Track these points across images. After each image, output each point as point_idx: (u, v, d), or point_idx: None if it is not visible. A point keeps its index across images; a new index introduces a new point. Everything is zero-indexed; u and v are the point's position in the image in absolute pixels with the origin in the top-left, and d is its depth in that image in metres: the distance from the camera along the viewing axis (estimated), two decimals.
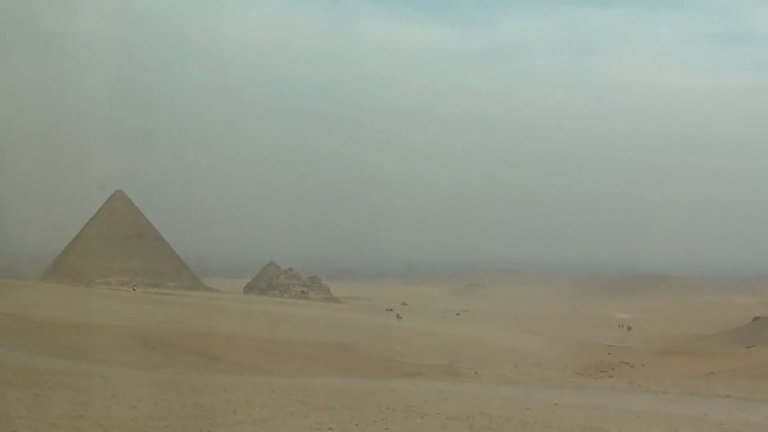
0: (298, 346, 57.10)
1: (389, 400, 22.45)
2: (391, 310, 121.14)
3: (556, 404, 24.20)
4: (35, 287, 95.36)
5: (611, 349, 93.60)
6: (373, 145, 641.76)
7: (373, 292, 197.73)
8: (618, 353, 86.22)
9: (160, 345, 46.65)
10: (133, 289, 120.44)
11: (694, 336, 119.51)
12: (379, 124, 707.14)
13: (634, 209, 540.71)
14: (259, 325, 69.33)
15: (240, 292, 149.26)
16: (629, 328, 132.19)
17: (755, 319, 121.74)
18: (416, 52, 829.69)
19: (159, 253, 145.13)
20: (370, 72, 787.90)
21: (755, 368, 55.93)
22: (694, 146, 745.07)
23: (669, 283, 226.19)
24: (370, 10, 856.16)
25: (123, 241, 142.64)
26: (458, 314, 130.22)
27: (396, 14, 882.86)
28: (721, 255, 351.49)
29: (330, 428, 18.59)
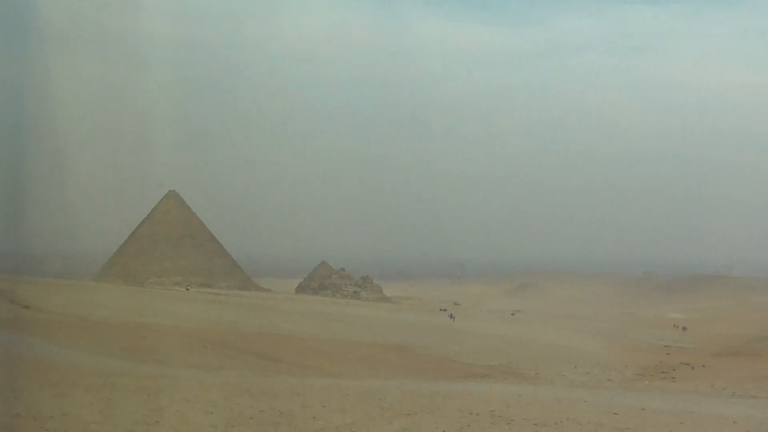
0: (356, 346, 56.50)
1: (469, 404, 21.74)
2: (445, 309, 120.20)
3: (643, 409, 23.27)
4: (89, 287, 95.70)
5: (669, 349, 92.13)
6: (425, 144, 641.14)
7: (424, 292, 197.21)
8: (676, 354, 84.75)
9: (219, 346, 46.30)
10: (186, 289, 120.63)
11: (751, 336, 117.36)
12: (431, 123, 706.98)
13: (688, 209, 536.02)
14: (315, 325, 68.85)
15: (292, 292, 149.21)
16: (684, 329, 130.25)
17: None
18: (469, 51, 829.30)
19: (211, 252, 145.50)
20: (423, 71, 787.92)
21: None
22: (749, 144, 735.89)
23: (724, 283, 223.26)
24: (423, 10, 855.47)
25: (176, 241, 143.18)
26: (513, 314, 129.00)
27: (449, 14, 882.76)
28: None
29: None
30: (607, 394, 26.08)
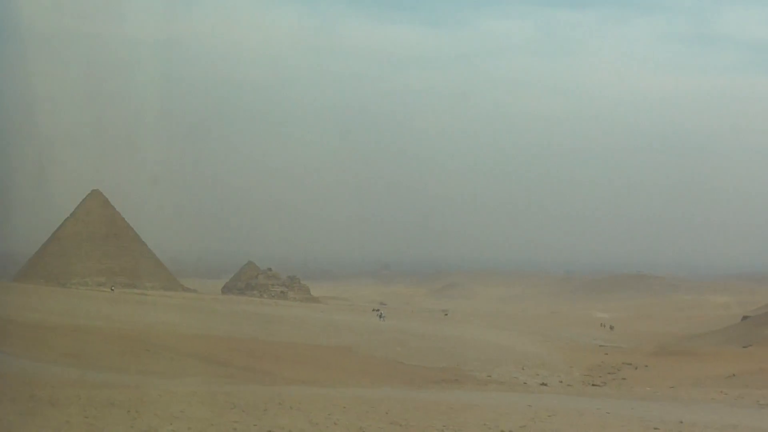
0: (302, 349, 54.76)
1: (485, 418, 20.11)
2: (378, 310, 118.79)
3: (681, 422, 21.79)
4: (10, 287, 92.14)
5: (605, 349, 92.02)
6: (349, 144, 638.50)
7: (350, 292, 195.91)
8: (614, 354, 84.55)
9: (163, 349, 44.11)
10: (111, 290, 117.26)
11: (682, 335, 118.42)
12: (356, 123, 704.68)
13: (609, 208, 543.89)
14: (253, 326, 66.81)
15: (218, 293, 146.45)
16: (612, 327, 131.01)
17: (744, 318, 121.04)
18: (393, 52, 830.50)
19: (136, 253, 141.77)
20: (348, 71, 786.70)
21: None
22: (667, 146, 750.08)
23: (646, 283, 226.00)
24: (348, 11, 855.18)
25: (99, 241, 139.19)
26: (446, 314, 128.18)
27: (373, 15, 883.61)
28: (696, 255, 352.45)
29: None
30: (613, 403, 24.64)
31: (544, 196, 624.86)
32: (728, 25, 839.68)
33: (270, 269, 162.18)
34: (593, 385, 55.20)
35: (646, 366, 71.94)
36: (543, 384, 52.03)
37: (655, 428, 19.54)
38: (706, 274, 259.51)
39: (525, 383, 50.72)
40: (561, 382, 55.46)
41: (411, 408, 21.78)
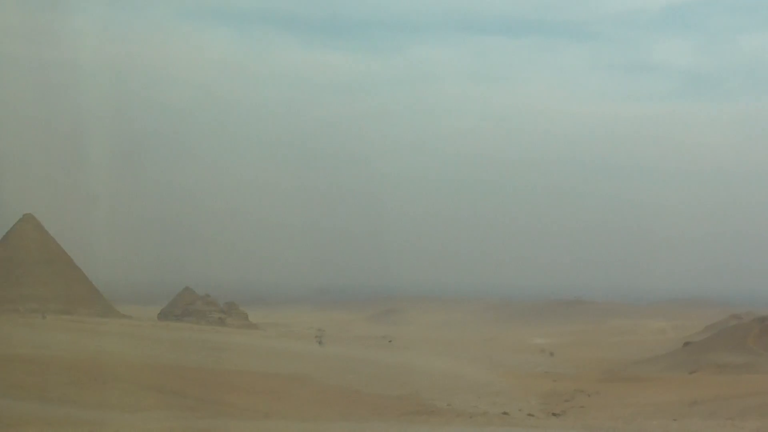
0: (258, 378, 52.90)
1: None
2: (320, 337, 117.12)
3: None
4: None
5: (552, 375, 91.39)
6: (283, 169, 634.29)
7: (288, 318, 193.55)
8: (563, 380, 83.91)
9: (113, 380, 42.01)
10: (43, 317, 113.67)
11: (625, 361, 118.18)
12: (291, 148, 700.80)
13: (546, 236, 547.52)
14: (201, 355, 64.85)
15: (155, 319, 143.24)
16: (552, 354, 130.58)
17: (686, 344, 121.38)
18: (329, 78, 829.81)
19: (70, 279, 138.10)
20: (283, 97, 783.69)
21: (741, 396, 53.54)
22: (599, 172, 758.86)
23: (582, 308, 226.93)
24: (283, 37, 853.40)
25: (32, 266, 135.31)
26: (390, 341, 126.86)
27: (309, 42, 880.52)
28: (631, 281, 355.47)
29: None
30: None
31: (479, 223, 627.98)
32: (658, 54, 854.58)
33: (208, 295, 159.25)
34: (553, 414, 54.27)
35: (598, 393, 71.24)
36: (504, 413, 50.81)
37: None
38: (641, 300, 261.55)
39: (486, 413, 49.42)
40: (521, 410, 54.38)
41: None
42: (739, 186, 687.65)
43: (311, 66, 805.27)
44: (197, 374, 50.84)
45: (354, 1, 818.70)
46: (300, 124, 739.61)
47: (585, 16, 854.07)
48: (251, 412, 34.35)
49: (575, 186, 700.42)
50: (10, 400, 29.84)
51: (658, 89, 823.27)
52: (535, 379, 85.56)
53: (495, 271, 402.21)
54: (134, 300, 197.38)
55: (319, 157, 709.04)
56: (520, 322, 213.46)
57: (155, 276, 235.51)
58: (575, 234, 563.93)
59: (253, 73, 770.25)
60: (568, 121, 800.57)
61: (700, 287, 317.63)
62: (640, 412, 52.26)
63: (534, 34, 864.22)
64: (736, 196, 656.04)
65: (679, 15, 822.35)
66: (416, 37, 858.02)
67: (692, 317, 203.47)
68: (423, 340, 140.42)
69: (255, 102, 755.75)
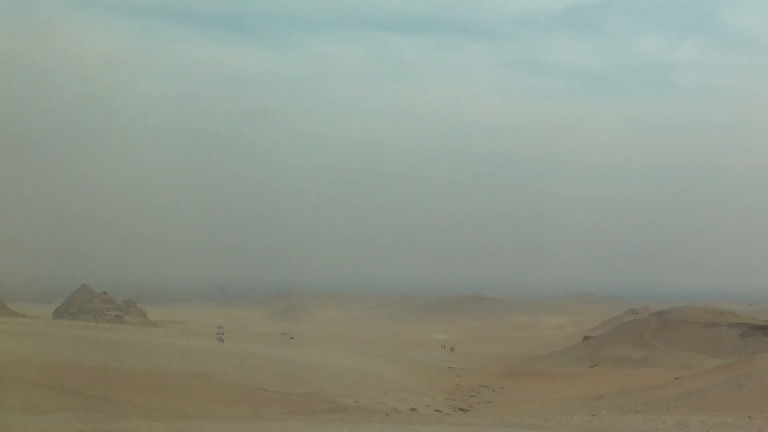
0: (158, 377, 51.51)
1: None
2: (222, 333, 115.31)
3: None
4: None
5: (455, 371, 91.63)
6: (180, 166, 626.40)
7: (187, 315, 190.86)
8: (467, 376, 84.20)
9: (15, 381, 40.31)
10: None
11: (525, 356, 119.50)
12: (190, 144, 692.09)
13: (445, 231, 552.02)
14: (101, 353, 62.66)
15: (50, 318, 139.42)
16: (452, 349, 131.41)
17: (585, 338, 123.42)
18: (227, 73, 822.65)
19: None
20: (180, 91, 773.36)
21: (644, 390, 54.27)
22: (502, 168, 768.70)
23: (482, 304, 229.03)
24: (181, 31, 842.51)
25: None
26: (292, 338, 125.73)
27: (208, 36, 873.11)
28: (529, 277, 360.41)
29: None
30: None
31: (380, 219, 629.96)
32: (556, 53, 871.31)
33: (105, 293, 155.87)
34: (461, 409, 54.20)
35: (502, 388, 71.68)
36: (412, 409, 50.61)
37: None
38: (540, 295, 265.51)
39: (395, 409, 49.05)
40: (428, 406, 54.09)
41: None
42: (632, 182, 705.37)
43: (208, 61, 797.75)
44: (98, 373, 49.21)
45: None
46: (197, 118, 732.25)
47: (485, 14, 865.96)
48: (159, 411, 33.26)
49: (474, 181, 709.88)
50: None
51: (556, 88, 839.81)
52: (439, 374, 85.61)
53: (394, 267, 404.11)
54: (27, 298, 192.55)
55: (215, 152, 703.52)
56: (419, 318, 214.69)
57: (49, 274, 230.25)
58: (474, 229, 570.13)
59: (149, 68, 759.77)
60: (468, 118, 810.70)
61: (596, 283, 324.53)
62: (547, 407, 52.52)
63: (434, 32, 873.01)
64: (630, 192, 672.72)
65: (576, 16, 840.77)
66: (316, 33, 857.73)
67: (589, 313, 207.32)
68: (324, 337, 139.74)
69: (151, 96, 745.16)
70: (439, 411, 51.77)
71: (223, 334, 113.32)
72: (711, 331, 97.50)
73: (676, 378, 64.73)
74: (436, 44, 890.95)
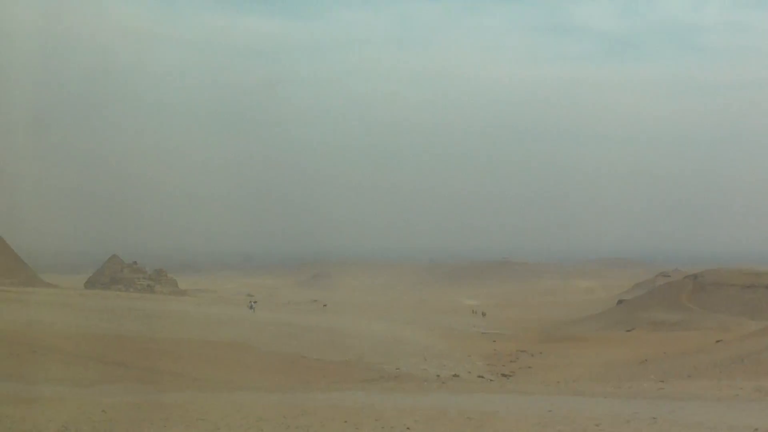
0: (200, 346, 51.05)
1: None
2: (256, 302, 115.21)
3: (654, 418, 19.53)
4: None
5: (490, 336, 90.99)
6: (210, 137, 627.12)
7: (216, 284, 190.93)
8: (502, 341, 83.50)
9: (50, 351, 39.87)
10: None
11: (559, 320, 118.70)
12: (219, 114, 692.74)
13: (470, 196, 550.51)
14: (137, 323, 62.39)
15: (82, 288, 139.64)
16: (484, 314, 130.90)
17: (619, 302, 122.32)
18: (253, 43, 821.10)
19: None
20: (208, 63, 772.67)
21: (689, 353, 53.27)
22: (524, 137, 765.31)
23: (511, 269, 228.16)
24: (205, 2, 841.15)
25: None
26: (325, 305, 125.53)
27: (231, 6, 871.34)
28: (557, 241, 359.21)
29: None
30: (581, 402, 22.03)
31: (406, 185, 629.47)
32: (581, 16, 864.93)
33: (135, 262, 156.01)
34: (503, 375, 53.49)
35: (541, 353, 70.87)
36: (455, 375, 49.88)
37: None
38: (568, 260, 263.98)
39: (438, 375, 48.33)
40: (469, 372, 53.46)
41: (407, 414, 18.89)
42: (657, 145, 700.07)
43: (229, 31, 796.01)
44: (137, 344, 48.77)
45: None
46: (218, 90, 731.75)
47: None
48: (205, 382, 32.64)
49: (500, 150, 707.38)
50: None
51: (581, 50, 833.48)
52: (474, 340, 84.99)
53: (422, 233, 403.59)
54: (58, 269, 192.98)
55: (244, 122, 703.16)
56: (448, 284, 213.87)
57: (79, 245, 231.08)
58: (499, 195, 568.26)
59: (170, 38, 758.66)
60: (491, 84, 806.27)
61: (624, 247, 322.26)
62: (589, 372, 51.73)
63: None
64: (656, 156, 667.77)
65: None
66: (338, 1, 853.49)
67: (619, 276, 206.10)
68: (355, 304, 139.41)
69: (172, 67, 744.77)
70: (482, 377, 51.09)
71: (255, 302, 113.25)
72: (748, 293, 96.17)
73: (718, 341, 63.73)
74: (457, 8, 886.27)
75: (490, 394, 24.47)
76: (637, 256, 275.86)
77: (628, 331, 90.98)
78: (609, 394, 23.12)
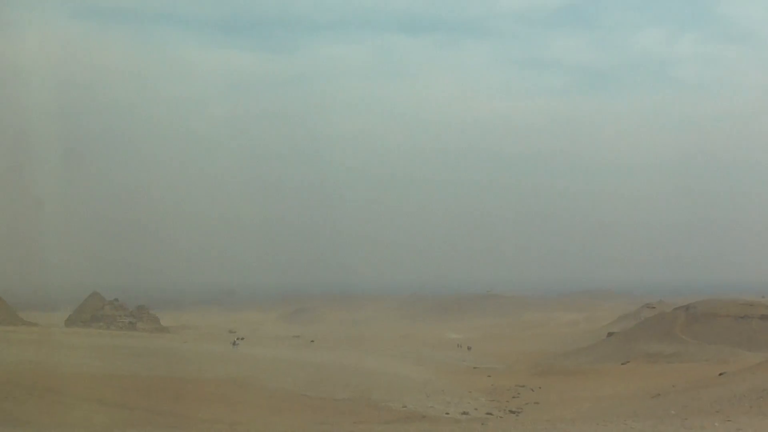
0: (197, 385, 49.30)
1: None
2: (242, 338, 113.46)
3: None
4: None
5: (483, 370, 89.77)
6: (181, 170, 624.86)
7: (198, 320, 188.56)
8: (496, 376, 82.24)
9: (51, 392, 38.20)
10: None
11: (550, 354, 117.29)
12: (189, 148, 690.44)
13: (449, 231, 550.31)
14: (129, 361, 60.57)
15: (63, 326, 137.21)
16: (469, 348, 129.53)
17: (610, 334, 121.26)
18: (229, 76, 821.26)
19: None
20: (180, 95, 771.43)
21: (700, 387, 52.06)
22: (503, 165, 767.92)
23: (493, 302, 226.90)
24: (182, 35, 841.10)
25: None
26: (312, 341, 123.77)
27: (208, 40, 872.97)
28: (538, 274, 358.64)
29: None
30: None
31: (384, 219, 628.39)
32: (556, 50, 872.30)
33: (116, 299, 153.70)
34: (511, 411, 52.19)
35: (540, 387, 69.63)
36: (464, 413, 48.54)
37: None
38: (549, 292, 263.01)
39: (446, 413, 47.00)
40: (476, 409, 52.05)
41: None
42: (636, 177, 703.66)
43: (212, 64, 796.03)
44: (135, 383, 47.06)
45: None
46: (202, 122, 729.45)
47: (484, 12, 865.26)
48: (215, 424, 31.10)
49: (481, 178, 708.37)
50: None
51: (555, 84, 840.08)
52: (468, 375, 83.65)
53: (402, 267, 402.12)
54: (35, 307, 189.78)
55: (221, 155, 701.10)
56: (431, 318, 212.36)
57: (56, 282, 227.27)
58: (480, 228, 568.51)
59: (153, 72, 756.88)
60: (472, 116, 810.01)
61: (604, 279, 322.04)
62: (599, 406, 50.43)
63: (434, 32, 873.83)
64: (634, 187, 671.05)
65: (574, 12, 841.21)
66: (316, 35, 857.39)
67: (602, 308, 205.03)
68: (340, 339, 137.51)
69: (155, 101, 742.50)
70: (490, 414, 49.73)
71: (241, 338, 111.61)
72: (743, 324, 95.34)
73: (721, 374, 62.69)
74: (436, 43, 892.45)
75: None
76: (619, 288, 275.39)
77: (623, 363, 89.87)
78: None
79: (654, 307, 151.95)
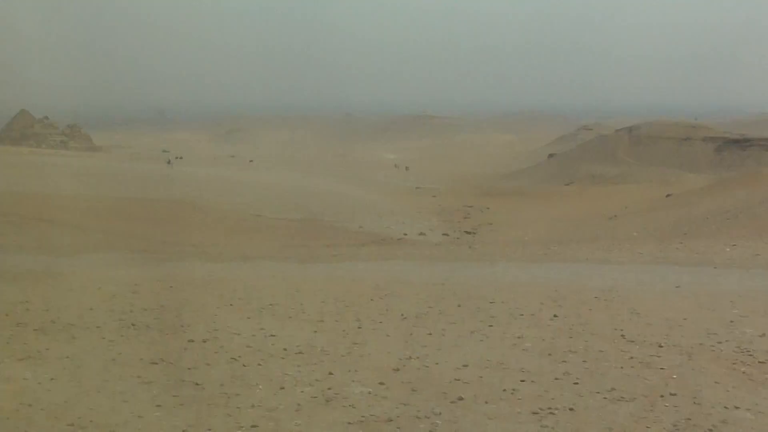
0: (152, 205, 47.72)
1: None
2: (180, 157, 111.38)
3: (678, 286, 17.41)
4: None
5: (426, 191, 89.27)
6: None
7: (130, 140, 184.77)
8: (443, 197, 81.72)
9: (46, 222, 36.16)
10: None
11: (490, 174, 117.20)
12: None
13: (386, 52, 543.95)
14: (72, 182, 58.56)
15: None
16: (407, 168, 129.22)
17: (551, 156, 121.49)
18: None
19: None
20: None
21: (656, 209, 51.82)
22: None
23: (429, 123, 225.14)
24: None
25: None
26: (251, 161, 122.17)
27: None
28: (476, 96, 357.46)
29: None
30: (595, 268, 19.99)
31: (318, 37, 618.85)
32: None
33: (46, 117, 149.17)
34: (466, 232, 51.67)
35: (488, 208, 69.20)
36: (421, 234, 47.87)
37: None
38: (485, 113, 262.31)
39: (405, 234, 46.20)
40: (431, 230, 51.35)
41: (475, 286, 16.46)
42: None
43: None
44: (81, 203, 45.07)
45: None
46: None
47: None
48: (179, 246, 29.70)
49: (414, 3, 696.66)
50: None
51: None
52: (413, 196, 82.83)
53: (336, 87, 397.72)
54: None
55: None
56: (365, 138, 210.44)
57: None
58: (417, 48, 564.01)
59: None
60: None
61: (533, 102, 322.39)
62: (556, 227, 50.00)
63: None
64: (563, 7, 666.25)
65: None
66: None
67: (537, 130, 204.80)
68: (277, 160, 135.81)
69: None
70: (446, 235, 49.16)
71: (179, 157, 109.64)
72: (685, 146, 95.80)
73: (668, 195, 62.93)
74: None
75: (512, 261, 22.26)
76: (553, 110, 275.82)
77: (567, 185, 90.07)
78: (620, 262, 21.02)
79: (591, 129, 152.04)
